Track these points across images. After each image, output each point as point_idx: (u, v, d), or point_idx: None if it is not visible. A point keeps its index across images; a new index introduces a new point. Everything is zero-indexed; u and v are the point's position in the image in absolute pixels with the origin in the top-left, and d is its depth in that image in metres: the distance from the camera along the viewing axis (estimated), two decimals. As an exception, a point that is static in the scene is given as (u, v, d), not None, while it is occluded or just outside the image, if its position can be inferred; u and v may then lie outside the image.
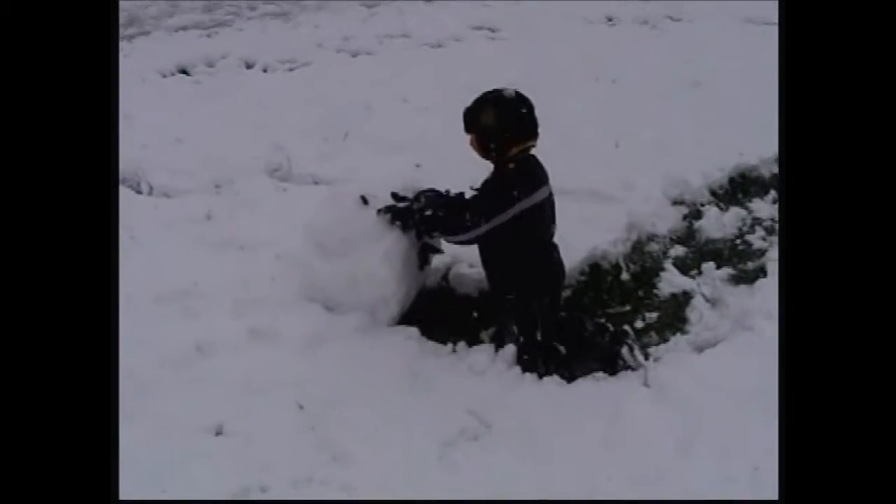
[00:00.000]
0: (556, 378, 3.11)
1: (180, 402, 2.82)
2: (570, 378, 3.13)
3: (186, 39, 6.93)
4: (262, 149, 4.69)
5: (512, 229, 3.05)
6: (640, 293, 3.80)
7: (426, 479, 2.62)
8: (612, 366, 3.21)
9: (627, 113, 5.45)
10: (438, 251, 3.44)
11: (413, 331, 3.24)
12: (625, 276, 3.90)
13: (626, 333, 3.35)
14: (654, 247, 4.15)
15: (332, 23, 7.40)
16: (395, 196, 3.22)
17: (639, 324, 3.57)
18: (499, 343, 3.23)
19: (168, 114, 5.24)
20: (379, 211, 3.17)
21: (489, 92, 3.10)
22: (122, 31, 6.76)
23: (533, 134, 3.09)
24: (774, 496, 2.35)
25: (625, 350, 3.25)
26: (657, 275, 3.92)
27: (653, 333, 3.52)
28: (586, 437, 2.78)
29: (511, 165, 3.06)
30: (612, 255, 3.94)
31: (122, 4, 6.79)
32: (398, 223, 3.17)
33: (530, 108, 3.07)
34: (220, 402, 2.83)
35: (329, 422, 2.79)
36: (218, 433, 2.74)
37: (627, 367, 3.20)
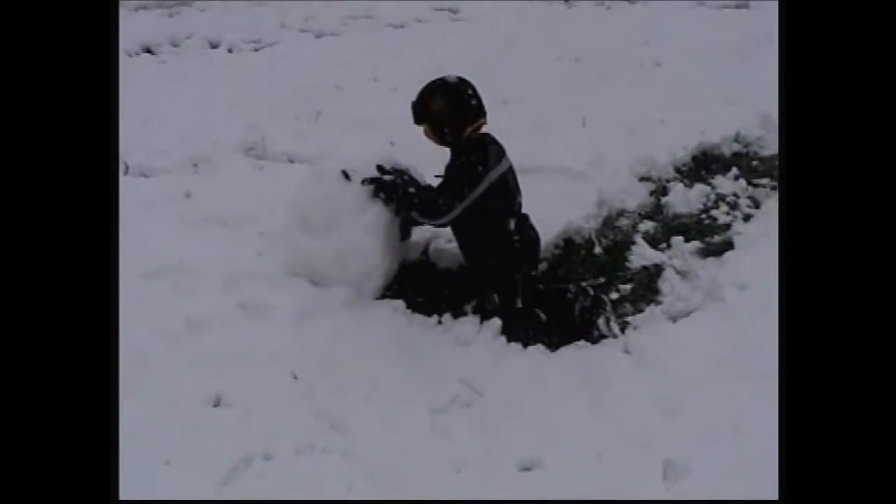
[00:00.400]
0: (540, 347, 3.22)
1: (177, 377, 2.85)
2: (552, 345, 3.25)
3: (148, 19, 6.90)
4: (235, 128, 4.72)
5: (483, 204, 3.16)
6: (614, 266, 3.91)
7: (421, 445, 2.70)
8: (590, 335, 3.32)
9: (592, 92, 5.58)
10: (419, 223, 3.50)
11: (399, 304, 3.32)
12: (597, 249, 4.01)
13: (603, 302, 3.45)
14: (624, 222, 4.28)
15: (294, 3, 7.40)
16: (380, 169, 3.27)
17: (613, 295, 3.68)
18: (482, 314, 3.32)
19: (137, 93, 5.19)
20: (364, 181, 3.22)
21: (432, 82, 3.20)
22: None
23: (482, 112, 3.21)
24: (757, 452, 2.52)
25: (601, 320, 3.36)
26: (628, 248, 4.05)
27: (627, 304, 3.64)
28: (574, 403, 2.88)
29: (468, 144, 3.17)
30: (584, 230, 4.06)
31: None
32: (382, 195, 3.23)
33: (474, 88, 3.19)
34: (216, 375, 2.86)
35: (323, 392, 2.85)
36: (216, 405, 2.78)
37: (603, 337, 3.32)
